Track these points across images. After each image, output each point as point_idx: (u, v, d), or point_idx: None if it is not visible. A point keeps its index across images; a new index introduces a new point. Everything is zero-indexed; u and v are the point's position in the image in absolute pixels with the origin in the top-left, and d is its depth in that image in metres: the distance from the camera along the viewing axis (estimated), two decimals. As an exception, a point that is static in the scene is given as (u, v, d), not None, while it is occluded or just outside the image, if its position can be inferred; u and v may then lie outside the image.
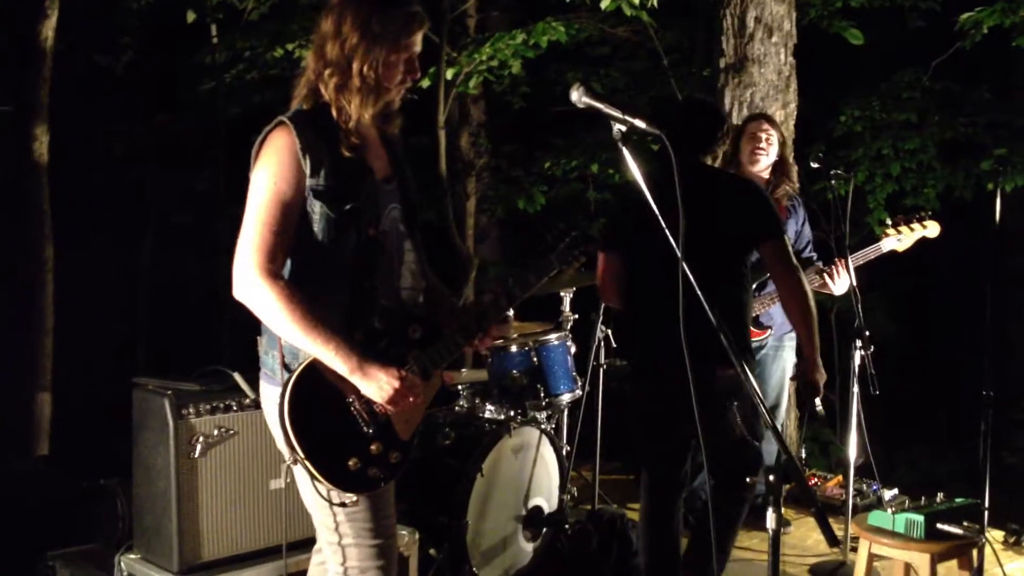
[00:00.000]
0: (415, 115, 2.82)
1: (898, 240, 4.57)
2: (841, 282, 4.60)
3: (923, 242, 4.67)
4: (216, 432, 3.23)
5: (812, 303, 3.65)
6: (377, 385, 2.50)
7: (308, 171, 2.52)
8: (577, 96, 2.55)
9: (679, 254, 2.43)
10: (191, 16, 7.25)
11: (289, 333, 2.48)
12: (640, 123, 2.47)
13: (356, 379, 2.50)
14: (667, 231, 2.45)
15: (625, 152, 2.51)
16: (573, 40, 7.30)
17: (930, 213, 4.62)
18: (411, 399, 2.56)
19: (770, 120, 4.88)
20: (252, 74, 8.16)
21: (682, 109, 4.19)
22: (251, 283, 2.47)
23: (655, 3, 5.97)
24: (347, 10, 2.58)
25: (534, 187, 8.52)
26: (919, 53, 7.97)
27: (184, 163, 9.48)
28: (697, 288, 2.38)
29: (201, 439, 3.20)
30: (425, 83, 6.60)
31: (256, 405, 3.31)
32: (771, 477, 2.27)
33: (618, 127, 2.50)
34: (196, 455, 3.21)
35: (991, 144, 7.51)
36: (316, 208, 2.54)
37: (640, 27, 7.08)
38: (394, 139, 2.80)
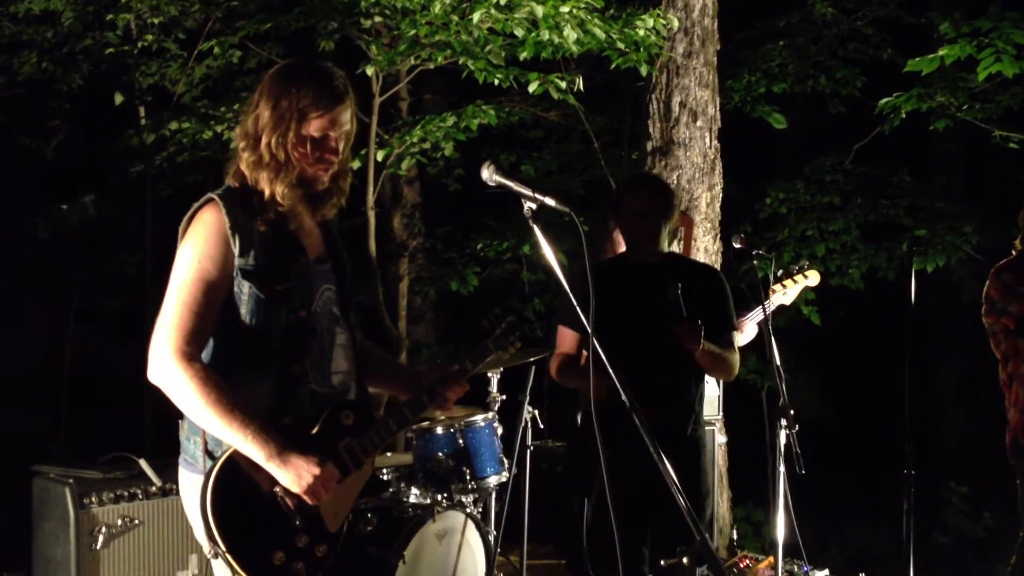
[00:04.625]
0: (349, 196, 2.79)
1: (783, 295, 4.78)
2: (746, 333, 4.74)
3: (855, 319, 4.85)
4: (120, 522, 3.11)
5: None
6: (296, 474, 2.41)
7: (237, 251, 2.46)
8: (488, 174, 2.56)
9: (589, 329, 2.42)
10: (119, 98, 7.19)
11: (203, 418, 2.40)
12: (550, 201, 2.50)
13: (272, 467, 2.40)
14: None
15: (536, 230, 2.52)
16: (505, 123, 7.39)
17: (807, 264, 4.88)
18: (329, 490, 2.46)
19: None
20: (183, 156, 8.11)
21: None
22: (165, 365, 2.40)
23: (581, 87, 6.07)
24: (266, 85, 2.57)
25: (467, 268, 8.51)
26: (841, 137, 8.21)
27: (113, 246, 9.33)
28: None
29: (104, 529, 3.07)
30: (356, 164, 6.61)
31: (163, 493, 3.20)
32: (684, 559, 2.23)
33: (528, 205, 2.51)
34: (98, 546, 3.08)
35: (912, 226, 7.71)
36: (245, 288, 2.48)
37: (571, 111, 7.20)
38: (328, 220, 2.76)
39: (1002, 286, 3.98)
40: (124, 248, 9.27)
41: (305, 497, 2.45)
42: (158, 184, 8.31)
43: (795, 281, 4.85)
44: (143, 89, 7.63)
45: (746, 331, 4.78)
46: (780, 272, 4.87)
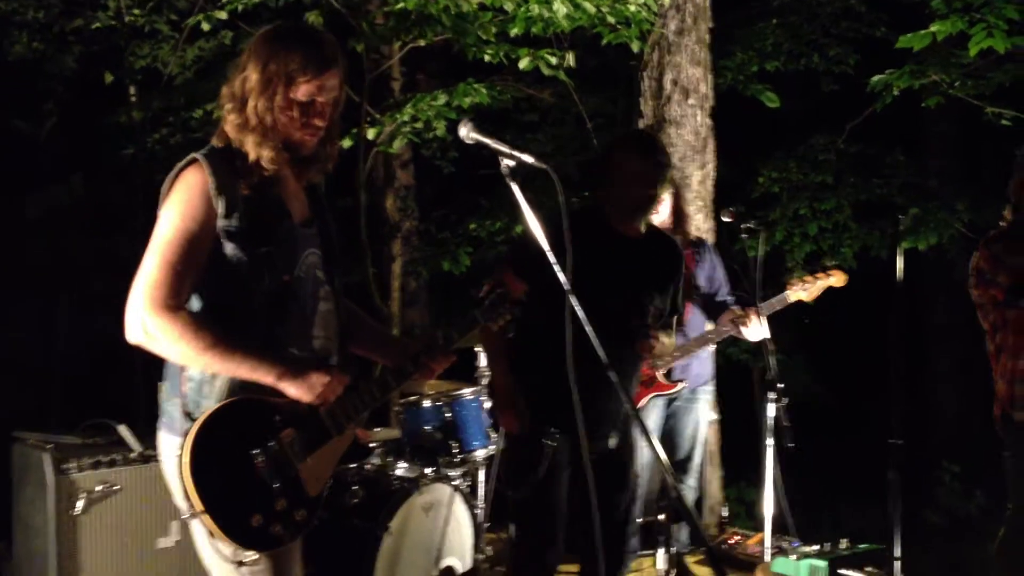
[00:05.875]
0: (340, 175, 2.76)
1: (804, 291, 4.63)
2: (753, 329, 4.55)
3: (848, 300, 4.72)
4: (99, 488, 3.09)
5: None
6: (308, 385, 2.47)
7: (221, 212, 2.44)
8: (465, 132, 2.54)
9: (567, 287, 2.40)
10: (109, 77, 7.17)
11: (203, 361, 2.40)
12: (527, 158, 2.48)
13: (285, 384, 2.45)
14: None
15: (514, 187, 2.50)
16: (497, 103, 7.35)
17: (835, 264, 4.68)
18: (337, 390, 2.53)
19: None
20: (176, 138, 8.07)
21: None
22: (148, 320, 2.37)
23: (572, 63, 6.04)
24: (255, 46, 2.56)
25: (459, 248, 8.49)
26: (834, 116, 8.18)
27: (106, 228, 9.30)
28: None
29: (83, 495, 3.05)
30: (347, 143, 6.59)
31: (143, 459, 3.18)
32: (660, 516, 2.22)
33: (506, 163, 2.49)
34: (77, 512, 3.06)
35: (904, 204, 7.69)
36: (228, 250, 2.46)
37: (564, 91, 7.16)
38: (316, 185, 2.74)
39: (991, 257, 3.95)
40: (117, 230, 9.24)
41: (318, 400, 2.50)
42: (151, 166, 8.30)
43: (816, 278, 4.67)
44: (135, 70, 7.61)
45: (753, 327, 4.62)
46: (793, 270, 4.73)
